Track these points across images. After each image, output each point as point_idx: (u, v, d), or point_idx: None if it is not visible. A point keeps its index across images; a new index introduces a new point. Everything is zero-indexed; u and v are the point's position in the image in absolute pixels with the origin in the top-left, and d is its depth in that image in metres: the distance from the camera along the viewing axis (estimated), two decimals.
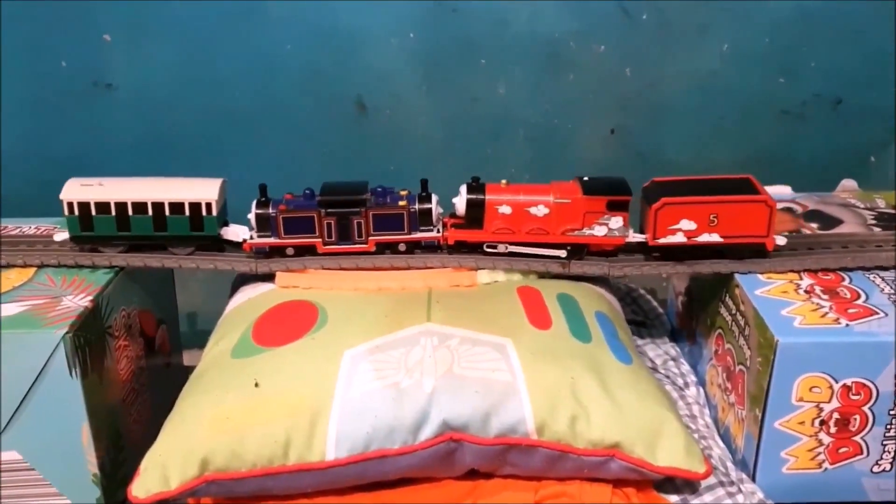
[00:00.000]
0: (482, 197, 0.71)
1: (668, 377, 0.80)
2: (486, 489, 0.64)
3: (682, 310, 0.87)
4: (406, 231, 0.72)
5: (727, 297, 0.73)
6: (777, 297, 0.68)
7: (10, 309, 0.65)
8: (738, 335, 0.70)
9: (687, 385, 0.79)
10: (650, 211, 0.71)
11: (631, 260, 0.74)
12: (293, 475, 0.61)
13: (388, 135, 1.01)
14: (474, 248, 0.73)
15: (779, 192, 0.88)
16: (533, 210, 0.71)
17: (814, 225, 0.80)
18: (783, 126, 1.00)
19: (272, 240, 0.72)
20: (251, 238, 0.73)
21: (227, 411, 0.61)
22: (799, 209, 0.84)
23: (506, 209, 0.72)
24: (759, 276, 0.71)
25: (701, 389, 0.79)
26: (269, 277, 0.75)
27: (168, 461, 0.60)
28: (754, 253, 0.72)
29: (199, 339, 1.01)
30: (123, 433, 0.72)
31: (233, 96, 0.98)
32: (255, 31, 0.96)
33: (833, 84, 0.99)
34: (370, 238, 0.72)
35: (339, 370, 0.62)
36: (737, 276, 0.71)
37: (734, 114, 1.00)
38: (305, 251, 0.72)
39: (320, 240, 0.72)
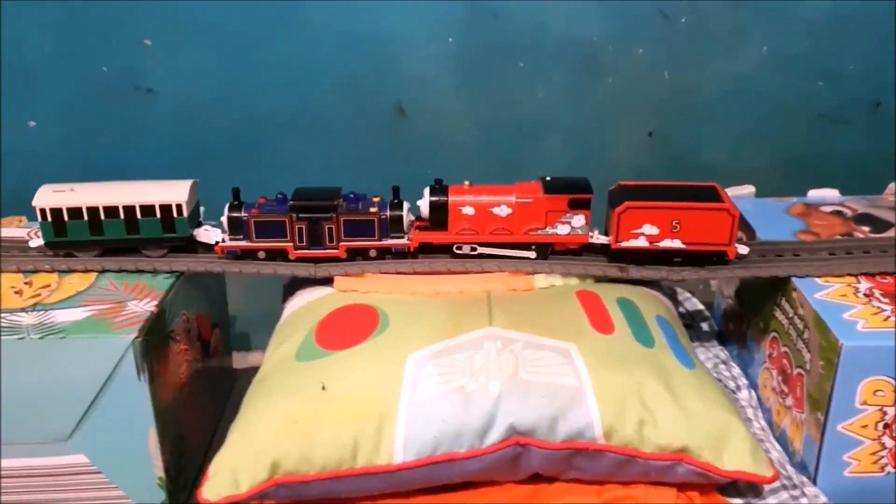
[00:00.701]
0: (445, 199, 0.72)
1: (719, 380, 0.80)
2: (550, 492, 0.64)
3: (731, 313, 0.87)
4: (376, 237, 0.73)
5: (783, 301, 0.73)
6: (837, 300, 0.68)
7: (76, 314, 0.66)
8: (795, 338, 0.70)
9: (739, 388, 0.79)
10: (613, 214, 0.72)
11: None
12: (361, 478, 0.61)
13: (427, 139, 1.01)
14: (442, 251, 0.74)
15: (826, 195, 0.89)
16: (496, 210, 0.72)
17: (865, 228, 0.80)
18: (821, 129, 1.01)
19: (244, 243, 0.73)
20: (223, 241, 0.73)
21: (295, 415, 0.62)
22: (849, 212, 0.84)
23: (469, 210, 0.73)
24: (817, 279, 0.71)
25: (753, 392, 0.79)
26: (319, 282, 0.75)
27: (238, 465, 0.60)
28: (716, 260, 0.72)
29: (240, 342, 1.02)
30: (185, 436, 0.72)
31: (272, 101, 0.98)
32: (295, 37, 0.96)
33: (872, 87, 0.99)
34: (341, 244, 0.73)
35: (404, 374, 0.63)
36: (794, 279, 0.72)
37: (772, 117, 1.00)
38: (277, 255, 0.73)
39: (291, 244, 0.73)
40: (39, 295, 0.69)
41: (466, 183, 0.74)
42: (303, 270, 0.73)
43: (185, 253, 0.74)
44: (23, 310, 0.66)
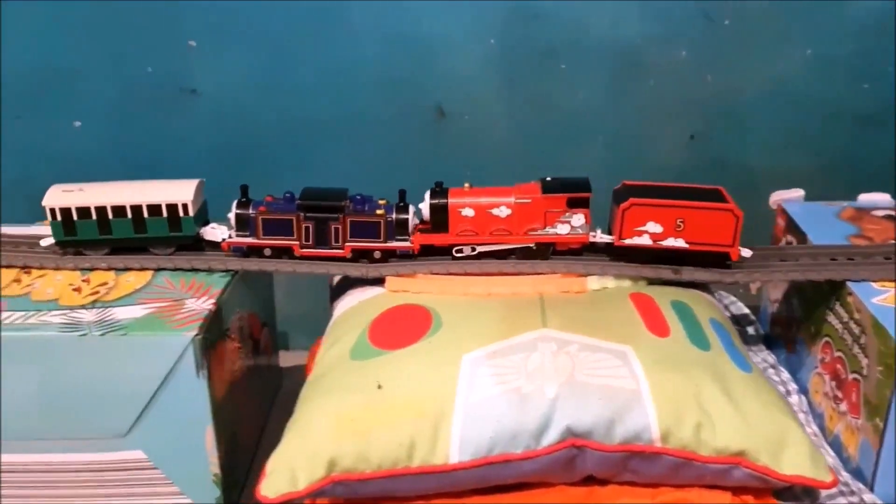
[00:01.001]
0: (445, 201, 0.73)
1: None
2: (603, 494, 0.64)
3: (780, 317, 0.87)
4: (381, 239, 0.73)
5: (837, 305, 0.73)
6: (895, 305, 0.68)
7: (135, 311, 0.66)
8: (851, 343, 0.70)
9: (789, 393, 0.79)
10: (618, 211, 0.72)
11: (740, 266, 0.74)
12: (417, 477, 0.61)
13: (466, 141, 1.01)
14: (444, 254, 0.75)
15: (877, 199, 0.88)
16: (495, 211, 0.73)
17: None
18: (865, 132, 1.00)
19: (250, 240, 0.74)
20: (230, 237, 0.74)
21: (352, 413, 0.62)
22: None
23: (469, 212, 0.73)
24: (872, 284, 0.71)
25: (803, 397, 0.78)
26: (369, 282, 0.75)
27: (296, 462, 0.61)
28: (718, 262, 0.72)
29: (281, 341, 1.02)
30: (237, 434, 0.73)
31: (313, 103, 0.99)
32: (337, 38, 0.97)
33: None
34: (346, 244, 0.74)
35: (459, 374, 0.63)
36: (849, 283, 0.71)
37: (816, 120, 1.00)
38: (282, 253, 0.74)
39: (297, 243, 0.73)
40: (98, 292, 0.70)
41: (466, 185, 0.75)
42: (355, 270, 0.74)
43: (194, 251, 0.75)
44: (82, 307, 0.67)
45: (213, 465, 0.67)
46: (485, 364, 0.63)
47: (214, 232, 0.75)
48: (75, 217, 0.72)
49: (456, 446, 0.61)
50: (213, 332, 0.66)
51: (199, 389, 0.65)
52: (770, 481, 0.61)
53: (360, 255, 0.74)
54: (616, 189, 0.75)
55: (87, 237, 0.73)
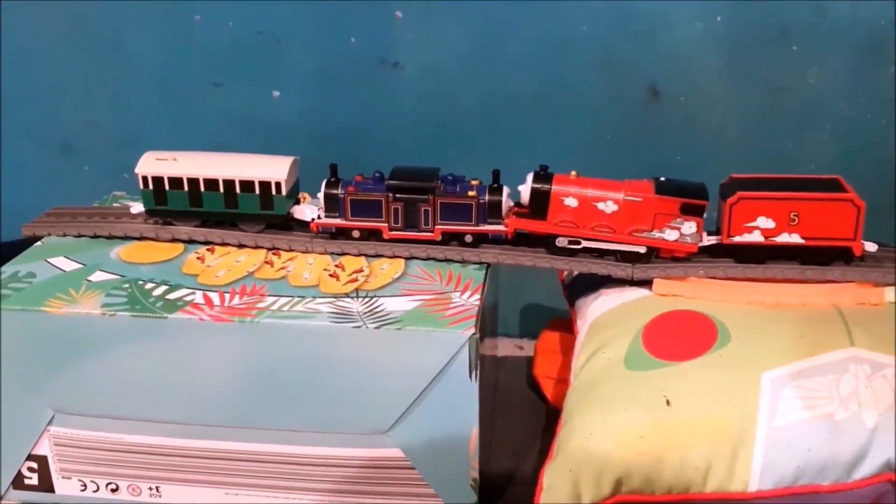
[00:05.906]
0: (548, 187, 0.68)
1: None
2: None
3: None
4: (473, 222, 0.69)
5: None
6: None
7: (402, 303, 0.63)
8: None
9: None
10: (725, 206, 0.68)
11: None
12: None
13: (680, 123, 0.95)
14: (539, 242, 0.70)
15: None
16: (601, 205, 0.68)
17: None
18: None
19: (339, 221, 0.70)
20: (319, 218, 0.71)
21: (640, 430, 0.57)
22: None
23: (572, 202, 0.68)
24: None
25: None
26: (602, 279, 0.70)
27: (579, 478, 0.57)
28: (840, 258, 0.68)
29: None
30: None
31: (520, 79, 0.94)
32: (551, 11, 0.91)
33: None
34: (437, 227, 0.70)
35: (760, 394, 0.57)
36: None
37: None
38: (371, 235, 0.71)
39: (387, 224, 0.70)
40: (356, 280, 0.67)
41: (573, 173, 0.70)
42: (620, 272, 0.69)
43: (282, 230, 0.72)
44: (346, 295, 0.64)
45: (474, 470, 0.64)
46: (790, 385, 0.58)
47: (303, 211, 0.72)
48: (167, 187, 0.71)
49: (757, 473, 0.56)
50: (482, 330, 0.63)
51: (470, 389, 0.61)
52: None
53: (451, 238, 0.71)
54: (723, 183, 0.70)
55: (177, 208, 0.71)
